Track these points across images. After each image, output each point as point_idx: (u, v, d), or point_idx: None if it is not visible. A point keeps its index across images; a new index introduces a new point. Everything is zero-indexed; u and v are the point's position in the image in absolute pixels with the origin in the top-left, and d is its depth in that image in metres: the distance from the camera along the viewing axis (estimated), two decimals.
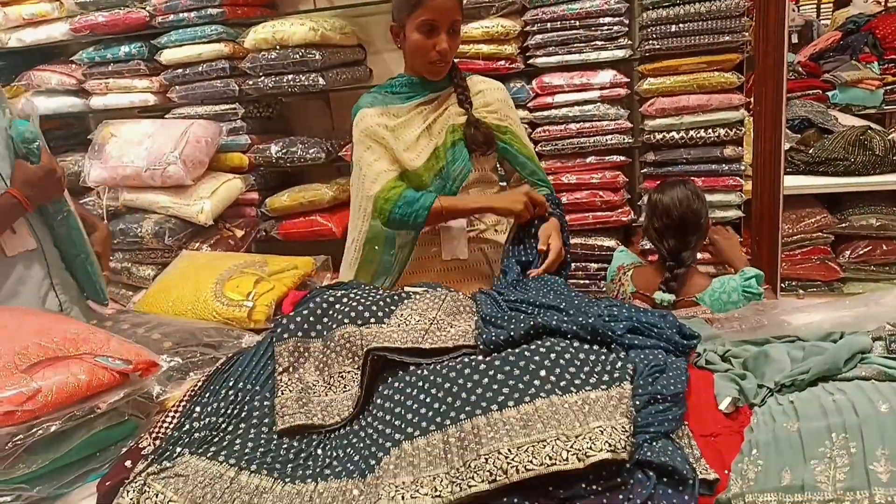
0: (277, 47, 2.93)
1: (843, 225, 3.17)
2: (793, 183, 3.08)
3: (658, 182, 2.31)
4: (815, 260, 3.19)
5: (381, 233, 1.89)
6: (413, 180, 1.87)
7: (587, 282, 2.94)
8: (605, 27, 2.71)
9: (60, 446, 1.22)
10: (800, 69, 4.23)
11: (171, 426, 1.30)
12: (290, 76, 2.96)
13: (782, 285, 3.04)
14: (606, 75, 2.75)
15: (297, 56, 2.89)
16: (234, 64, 3.09)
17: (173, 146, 2.95)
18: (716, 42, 2.60)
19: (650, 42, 2.66)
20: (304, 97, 3.40)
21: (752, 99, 2.61)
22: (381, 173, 1.85)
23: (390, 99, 1.92)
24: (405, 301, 1.46)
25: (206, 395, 1.34)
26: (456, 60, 2.86)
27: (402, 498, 0.99)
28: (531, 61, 2.85)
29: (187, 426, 1.27)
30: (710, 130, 2.69)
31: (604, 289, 2.75)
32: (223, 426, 1.26)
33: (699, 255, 2.67)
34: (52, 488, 1.20)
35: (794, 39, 5.02)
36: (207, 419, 1.28)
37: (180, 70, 3.14)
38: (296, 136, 3.23)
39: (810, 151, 3.24)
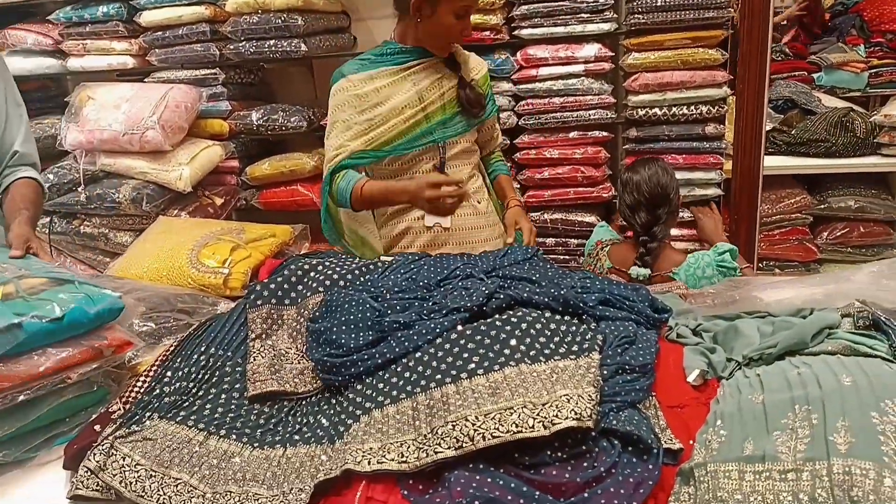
0: (259, 11, 2.87)
1: (822, 206, 3.19)
2: (773, 163, 3.09)
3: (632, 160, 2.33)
4: (793, 240, 3.21)
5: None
6: (396, 140, 1.91)
7: (567, 257, 2.94)
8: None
9: (29, 414, 1.20)
10: (787, 50, 4.23)
11: (142, 391, 1.29)
12: (272, 41, 2.90)
13: (760, 265, 3.07)
14: (591, 49, 2.73)
15: (280, 21, 2.84)
16: (215, 28, 3.03)
17: (152, 111, 2.89)
18: (701, 18, 2.58)
19: (636, 16, 2.64)
20: (287, 64, 3.35)
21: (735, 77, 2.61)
22: (339, 149, 1.92)
23: (378, 63, 1.94)
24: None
25: (178, 360, 1.34)
26: None
27: (369, 463, 1.00)
28: (516, 32, 2.82)
29: (158, 391, 1.27)
30: (692, 107, 2.68)
31: (582, 264, 2.77)
32: (194, 391, 1.26)
33: (678, 232, 2.70)
34: (18, 452, 1.19)
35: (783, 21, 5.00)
36: (178, 384, 1.27)
37: (160, 33, 3.07)
38: (278, 103, 3.18)
39: (792, 132, 3.24)
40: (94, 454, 1.10)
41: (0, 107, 1.77)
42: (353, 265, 1.50)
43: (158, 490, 1.05)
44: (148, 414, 1.20)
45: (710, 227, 2.31)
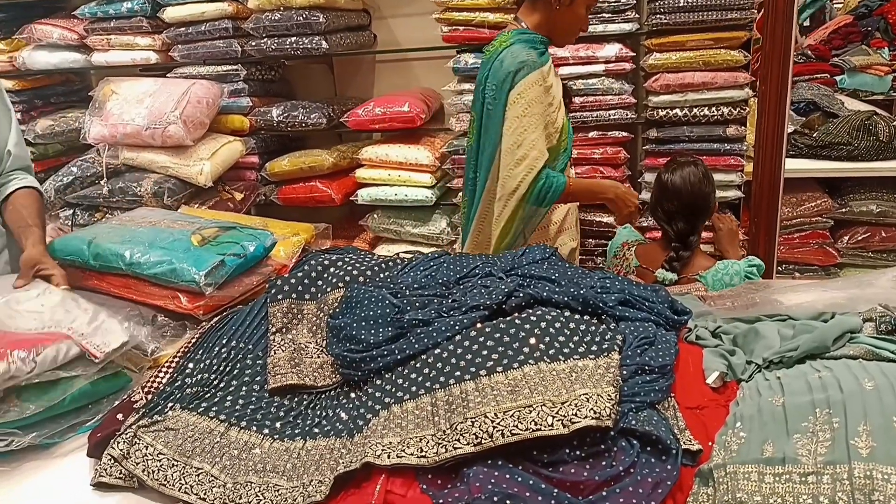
0: (281, 8, 2.90)
1: (843, 210, 3.16)
2: (795, 166, 3.06)
3: (666, 160, 2.29)
4: (813, 244, 3.18)
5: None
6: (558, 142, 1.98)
7: (584, 257, 2.94)
8: None
9: (54, 393, 1.23)
10: (809, 52, 4.19)
11: (164, 381, 1.31)
12: (293, 38, 2.93)
13: (779, 269, 3.04)
14: (612, 49, 2.72)
15: (301, 18, 2.86)
16: (237, 24, 3.06)
17: (174, 106, 2.92)
18: (723, 19, 2.57)
19: (658, 16, 2.63)
20: (307, 61, 3.37)
21: (756, 79, 2.59)
22: (540, 153, 1.89)
23: (543, 54, 1.96)
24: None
25: (200, 352, 1.36)
26: (461, 29, 2.84)
27: (388, 456, 1.01)
28: None
29: (179, 382, 1.29)
30: (713, 109, 2.67)
31: (601, 265, 2.76)
32: (215, 383, 1.28)
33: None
34: (43, 436, 1.22)
35: (806, 22, 4.95)
36: (200, 375, 1.29)
37: (183, 29, 3.11)
38: (298, 100, 3.20)
39: (814, 135, 3.21)
40: (118, 443, 1.12)
41: None
42: (373, 261, 1.51)
43: (180, 479, 1.07)
44: (170, 404, 1.22)
45: (725, 237, 2.28)
